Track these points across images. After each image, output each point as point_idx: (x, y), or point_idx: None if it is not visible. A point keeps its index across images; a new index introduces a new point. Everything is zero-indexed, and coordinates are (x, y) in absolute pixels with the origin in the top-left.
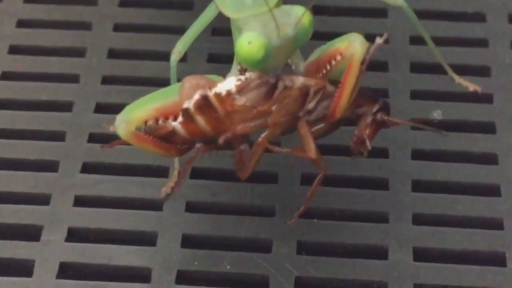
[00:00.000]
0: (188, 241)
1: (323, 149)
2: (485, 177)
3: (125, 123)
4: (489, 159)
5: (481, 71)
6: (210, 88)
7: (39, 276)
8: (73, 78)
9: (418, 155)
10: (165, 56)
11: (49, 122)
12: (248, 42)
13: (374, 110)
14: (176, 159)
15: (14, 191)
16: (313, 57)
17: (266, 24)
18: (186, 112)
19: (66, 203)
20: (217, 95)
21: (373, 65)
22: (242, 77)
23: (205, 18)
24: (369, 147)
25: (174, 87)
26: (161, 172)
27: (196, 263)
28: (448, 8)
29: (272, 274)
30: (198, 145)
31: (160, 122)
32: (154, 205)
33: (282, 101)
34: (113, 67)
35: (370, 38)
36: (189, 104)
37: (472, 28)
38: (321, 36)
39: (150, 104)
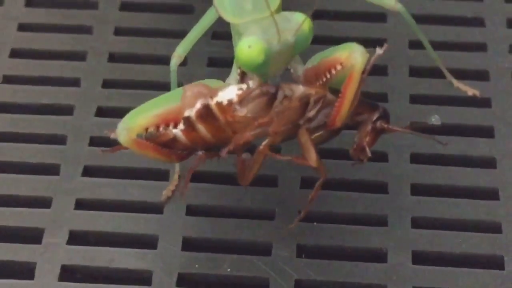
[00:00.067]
0: (188, 244)
1: (322, 153)
2: (483, 181)
3: (126, 130)
4: (488, 163)
5: (479, 76)
6: (211, 97)
7: (40, 279)
8: (74, 82)
9: (417, 159)
10: (166, 60)
11: (50, 126)
12: (248, 46)
13: (374, 118)
14: (176, 163)
15: (16, 194)
16: (312, 63)
17: (267, 29)
18: (187, 120)
19: (67, 206)
20: (219, 104)
21: (373, 69)
22: (243, 86)
23: (205, 22)
24: (369, 154)
25: (174, 93)
26: (162, 175)
27: (196, 266)
28: (446, 12)
29: (272, 277)
30: (199, 153)
31: (161, 129)
32: (155, 208)
33: (283, 110)
34: (113, 70)
35: (369, 42)
36: (191, 112)
37: (471, 32)
38: (321, 40)
39: (150, 111)
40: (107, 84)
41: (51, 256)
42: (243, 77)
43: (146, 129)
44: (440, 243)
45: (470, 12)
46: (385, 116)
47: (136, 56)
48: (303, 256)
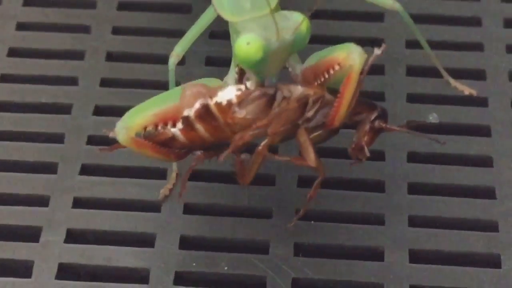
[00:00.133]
0: (186, 243)
1: (319, 152)
2: (480, 179)
3: (125, 129)
4: (485, 161)
5: (476, 75)
6: (210, 97)
7: (38, 277)
8: (72, 81)
9: (414, 157)
10: (164, 59)
11: (48, 124)
12: (247, 43)
13: (372, 118)
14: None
15: (14, 193)
16: (310, 62)
17: (265, 27)
18: (186, 120)
19: (65, 205)
20: (218, 105)
21: (369, 68)
22: (242, 86)
23: (204, 21)
24: (368, 154)
25: (172, 92)
26: (160, 174)
27: (194, 264)
28: (444, 12)
29: (269, 275)
30: (198, 153)
31: (159, 128)
32: (153, 207)
33: (282, 111)
34: (111, 69)
35: (366, 42)
36: (190, 112)
37: (468, 32)
38: (318, 39)
39: (149, 110)
40: (105, 83)
41: (49, 254)
42: (241, 76)
43: (145, 128)
44: (437, 242)
45: (467, 12)
46: (383, 116)
47: (134, 55)
48: (300, 254)
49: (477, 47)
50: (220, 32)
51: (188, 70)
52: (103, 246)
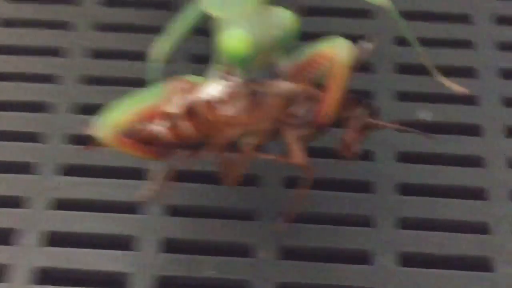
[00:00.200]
0: (168, 246)
1: (306, 152)
2: (472, 180)
3: (105, 126)
4: (476, 162)
5: (467, 73)
6: (194, 93)
7: (13, 282)
8: (54, 78)
9: (404, 157)
10: (146, 56)
11: (27, 123)
12: (234, 39)
13: (362, 114)
14: (157, 162)
15: None
16: (297, 58)
17: (252, 22)
18: (169, 116)
19: (42, 206)
20: (202, 101)
21: (358, 66)
22: (227, 83)
23: (189, 18)
24: (358, 151)
25: (155, 89)
26: (142, 174)
27: (175, 268)
28: (434, 9)
29: (254, 279)
30: (181, 151)
31: (141, 125)
32: (134, 208)
33: (268, 108)
34: (93, 67)
35: (356, 39)
36: (173, 108)
37: (459, 29)
38: (307, 37)
39: (131, 107)
40: (86, 80)
41: (25, 258)
42: (226, 73)
43: (126, 126)
44: (427, 245)
45: (457, 9)
46: (374, 112)
47: (116, 52)
48: (286, 258)
49: (468, 44)
50: (206, 29)
51: (172, 67)
52: (82, 249)
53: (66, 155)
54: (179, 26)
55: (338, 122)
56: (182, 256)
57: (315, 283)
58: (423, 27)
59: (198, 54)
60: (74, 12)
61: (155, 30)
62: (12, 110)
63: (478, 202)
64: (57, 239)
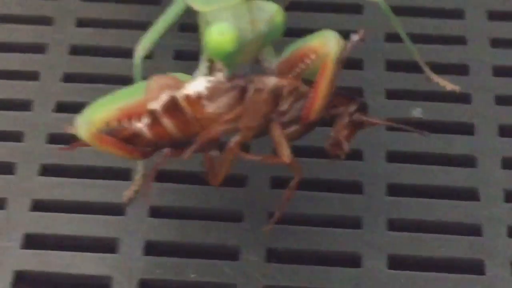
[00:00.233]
0: (151, 248)
1: (292, 151)
2: (463, 180)
3: (86, 124)
4: (468, 161)
5: (459, 70)
6: (178, 89)
7: None
8: (33, 76)
9: (393, 157)
10: (130, 53)
11: (6, 122)
12: (219, 33)
13: (351, 110)
14: (140, 161)
15: None
16: (285, 54)
17: (238, 16)
18: (152, 114)
19: (22, 208)
20: (186, 97)
21: (347, 63)
22: (212, 78)
23: (172, 13)
24: (347, 150)
25: (138, 86)
26: (124, 175)
27: (159, 271)
28: (425, 4)
29: (239, 283)
30: (165, 150)
31: (123, 123)
32: (116, 210)
33: (254, 104)
34: (74, 64)
35: (344, 35)
36: (156, 105)
37: (451, 25)
38: (295, 32)
39: (113, 104)
40: (67, 78)
41: (4, 261)
42: (211, 69)
43: (108, 123)
44: (417, 247)
45: (449, 4)
46: (363, 108)
47: (98, 49)
48: (273, 260)
49: (460, 40)
50: (190, 25)
51: (155, 64)
52: (63, 252)
53: (47, 155)
54: (163, 21)
55: (328, 120)
56: (166, 259)
57: (303, 287)
58: (414, 23)
59: (183, 50)
60: (56, 7)
61: (138, 25)
62: None
63: (470, 203)
64: (36, 242)
